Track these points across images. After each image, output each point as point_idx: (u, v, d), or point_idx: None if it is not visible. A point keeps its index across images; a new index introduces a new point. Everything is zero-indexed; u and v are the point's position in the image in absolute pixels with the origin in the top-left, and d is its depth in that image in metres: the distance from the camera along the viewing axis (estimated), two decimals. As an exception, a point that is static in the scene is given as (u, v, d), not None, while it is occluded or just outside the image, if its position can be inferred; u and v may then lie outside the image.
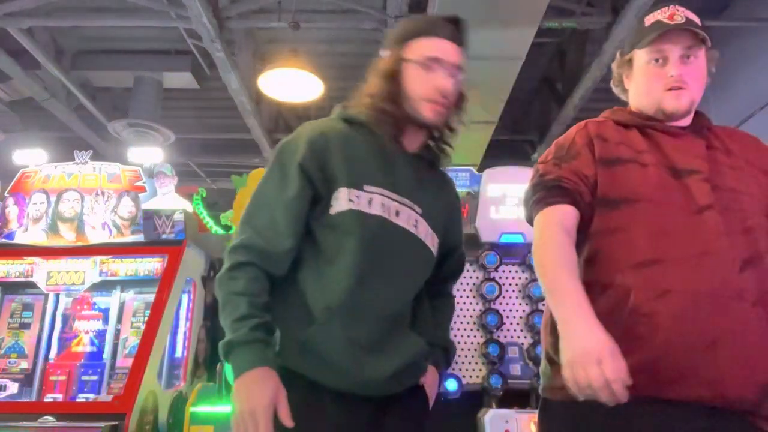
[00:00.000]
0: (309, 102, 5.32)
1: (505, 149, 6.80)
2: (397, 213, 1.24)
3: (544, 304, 1.70)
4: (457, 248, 1.45)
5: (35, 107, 6.38)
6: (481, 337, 3.28)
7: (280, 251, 1.20)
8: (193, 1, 4.23)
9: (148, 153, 6.31)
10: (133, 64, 6.03)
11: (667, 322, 1.12)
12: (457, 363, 3.24)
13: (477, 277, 3.39)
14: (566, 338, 1.10)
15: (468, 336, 3.29)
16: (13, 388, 3.19)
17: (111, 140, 6.81)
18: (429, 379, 1.33)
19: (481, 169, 3.58)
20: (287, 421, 1.08)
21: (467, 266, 3.40)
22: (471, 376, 3.21)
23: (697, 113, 1.36)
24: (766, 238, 1.21)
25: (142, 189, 3.54)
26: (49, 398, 3.14)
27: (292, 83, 4.79)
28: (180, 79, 6.15)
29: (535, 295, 3.13)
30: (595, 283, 1.23)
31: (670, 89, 1.28)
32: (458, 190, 3.52)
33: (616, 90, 1.46)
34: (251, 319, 1.13)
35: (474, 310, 3.33)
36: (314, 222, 1.23)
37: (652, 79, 1.31)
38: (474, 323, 3.30)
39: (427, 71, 1.26)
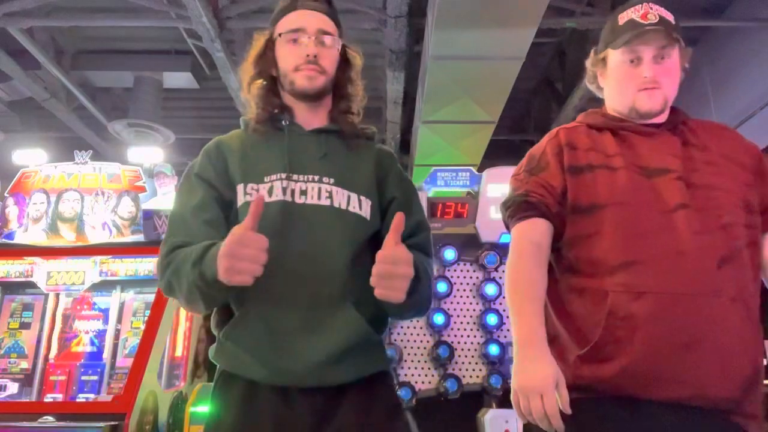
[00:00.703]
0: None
1: (505, 149, 6.79)
2: (303, 192, 1.22)
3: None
4: (393, 199, 1.32)
5: (35, 107, 6.38)
6: (481, 337, 3.28)
7: None
8: (193, 1, 4.22)
9: (148, 153, 6.31)
10: (133, 64, 6.02)
11: (645, 324, 1.13)
12: (457, 363, 3.24)
13: (477, 277, 3.39)
14: (518, 364, 1.18)
15: (468, 336, 3.29)
16: (13, 388, 3.19)
17: (111, 140, 6.81)
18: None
19: (481, 169, 3.58)
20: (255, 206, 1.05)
21: (467, 266, 3.40)
22: (471, 376, 3.21)
23: (672, 109, 1.36)
24: (744, 234, 1.21)
25: (142, 189, 3.55)
26: (49, 398, 3.14)
27: (292, 83, 4.78)
28: (180, 79, 6.13)
29: (535, 295, 3.13)
30: (573, 289, 1.25)
31: (644, 89, 1.29)
32: (458, 190, 3.55)
33: (591, 87, 1.47)
34: (199, 245, 1.12)
35: (474, 310, 3.33)
36: (229, 228, 1.24)
37: (625, 80, 1.32)
38: (474, 323, 3.30)
39: (293, 43, 1.29)
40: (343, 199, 1.24)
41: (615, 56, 1.33)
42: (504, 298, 3.30)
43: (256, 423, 1.12)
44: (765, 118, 4.78)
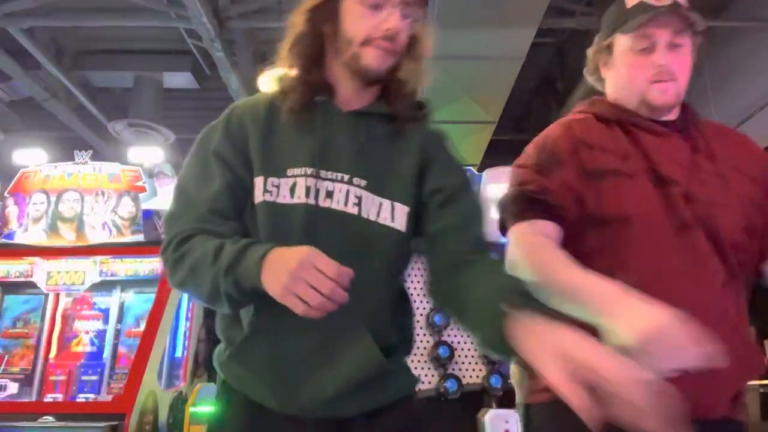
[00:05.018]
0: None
1: (505, 149, 6.79)
2: (329, 194, 1.02)
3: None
4: (436, 191, 1.07)
5: (35, 107, 6.38)
6: (481, 337, 3.28)
7: None
8: (193, 1, 4.22)
9: (148, 153, 6.31)
10: (133, 64, 6.02)
11: None
12: (457, 363, 3.23)
13: (477, 277, 3.39)
14: (626, 312, 0.89)
15: (468, 336, 3.29)
16: (13, 388, 3.19)
17: (111, 140, 6.81)
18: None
19: (481, 169, 3.58)
20: (334, 270, 0.84)
21: (467, 266, 3.40)
22: (471, 376, 3.21)
23: (684, 107, 1.24)
24: (743, 257, 1.14)
25: (142, 189, 3.55)
26: (49, 398, 3.14)
27: (292, 83, 4.79)
28: (180, 79, 6.14)
29: (535, 295, 3.13)
30: None
31: (657, 81, 1.16)
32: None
33: (590, 79, 1.32)
34: (225, 244, 0.94)
35: (474, 310, 3.33)
36: (246, 216, 1.05)
37: (636, 69, 1.18)
38: (474, 323, 3.30)
39: (372, 9, 1.02)
40: (373, 207, 1.04)
41: (624, 42, 1.19)
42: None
43: None
44: (765, 118, 4.78)
